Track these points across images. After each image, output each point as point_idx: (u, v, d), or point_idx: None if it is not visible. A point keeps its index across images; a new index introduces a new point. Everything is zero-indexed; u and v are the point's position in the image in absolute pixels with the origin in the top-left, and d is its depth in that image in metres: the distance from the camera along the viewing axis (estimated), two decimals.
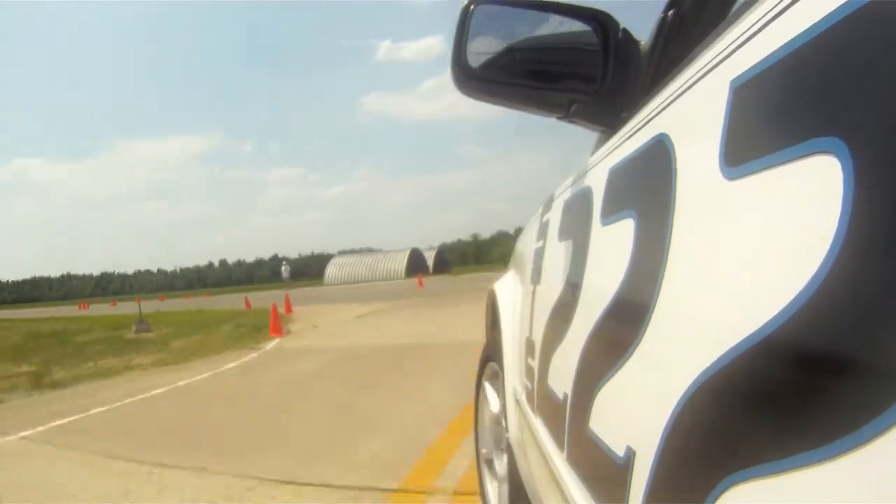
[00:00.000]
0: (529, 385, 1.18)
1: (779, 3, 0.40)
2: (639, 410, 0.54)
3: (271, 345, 7.64)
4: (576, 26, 0.91)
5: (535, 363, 1.11)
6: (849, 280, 0.29)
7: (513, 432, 1.40)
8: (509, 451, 1.44)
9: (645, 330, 0.53)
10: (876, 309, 0.27)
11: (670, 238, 0.51)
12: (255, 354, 6.85)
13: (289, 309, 12.74)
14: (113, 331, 10.95)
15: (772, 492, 0.32)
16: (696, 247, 0.48)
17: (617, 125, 0.84)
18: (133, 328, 10.40)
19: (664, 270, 0.51)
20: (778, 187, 0.36)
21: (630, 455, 0.53)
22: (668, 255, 0.51)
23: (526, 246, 1.56)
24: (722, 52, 0.48)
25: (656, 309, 0.51)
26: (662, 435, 0.45)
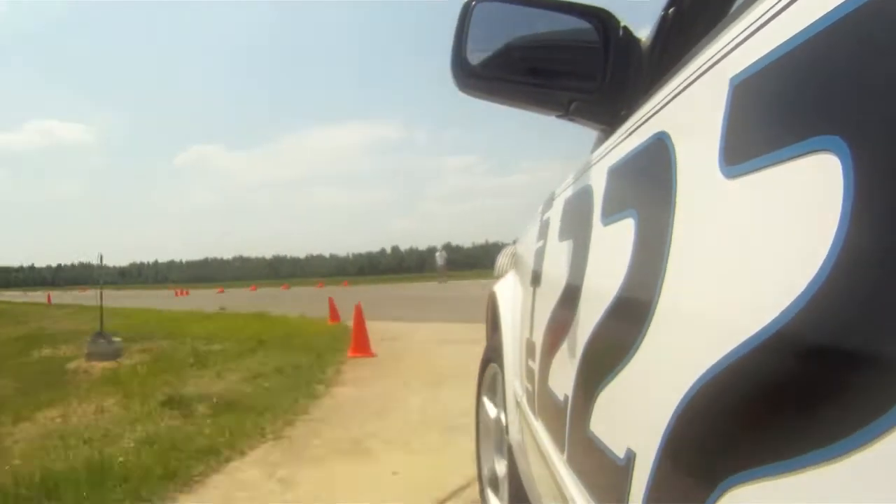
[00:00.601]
0: (530, 387, 1.17)
1: (779, 0, 0.40)
2: (639, 412, 0.54)
3: None
4: (576, 24, 0.91)
5: (535, 365, 1.11)
6: (849, 279, 0.29)
7: (513, 434, 1.40)
8: (510, 452, 1.43)
9: (645, 331, 0.53)
10: (877, 307, 0.27)
11: (671, 237, 0.51)
12: None
13: (360, 345, 5.59)
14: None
15: (772, 493, 0.32)
16: (696, 246, 0.48)
17: (617, 123, 0.83)
18: (86, 349, 5.97)
19: (665, 270, 0.51)
20: (778, 186, 0.36)
21: (630, 457, 0.53)
22: (668, 254, 0.51)
23: (526, 246, 1.55)
24: (722, 49, 0.48)
25: (657, 309, 0.51)
26: (663, 437, 0.45)
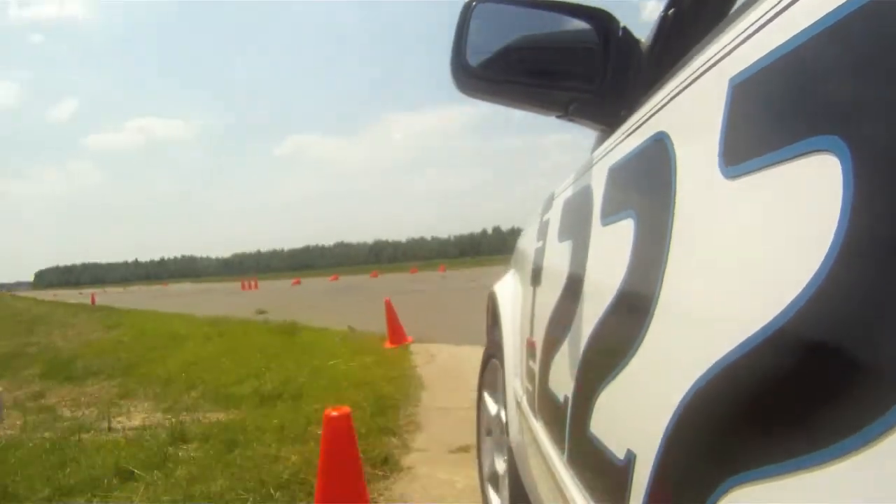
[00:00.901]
0: (530, 388, 1.17)
1: (779, 1, 0.40)
2: (639, 413, 0.54)
3: None
4: (576, 25, 0.91)
5: (535, 366, 1.11)
6: (849, 279, 0.29)
7: (513, 435, 1.40)
8: (510, 453, 1.43)
9: (645, 331, 0.53)
10: (876, 308, 0.27)
11: (670, 237, 0.51)
12: None
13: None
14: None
15: (773, 495, 0.31)
16: (695, 246, 0.47)
17: (616, 124, 0.83)
18: None
19: (664, 270, 0.51)
20: (777, 186, 0.36)
21: (630, 458, 0.53)
22: (668, 254, 0.51)
23: (526, 246, 1.55)
24: (721, 50, 0.48)
25: (656, 309, 0.51)
26: (663, 438, 0.45)
